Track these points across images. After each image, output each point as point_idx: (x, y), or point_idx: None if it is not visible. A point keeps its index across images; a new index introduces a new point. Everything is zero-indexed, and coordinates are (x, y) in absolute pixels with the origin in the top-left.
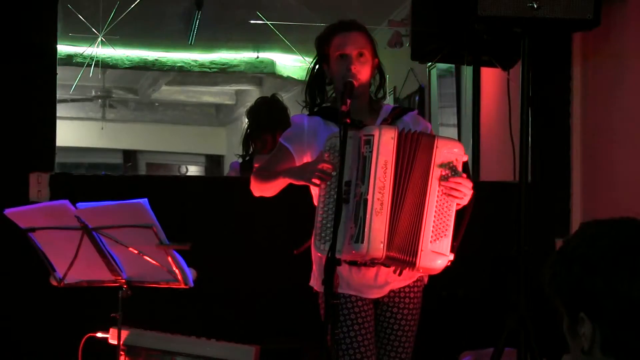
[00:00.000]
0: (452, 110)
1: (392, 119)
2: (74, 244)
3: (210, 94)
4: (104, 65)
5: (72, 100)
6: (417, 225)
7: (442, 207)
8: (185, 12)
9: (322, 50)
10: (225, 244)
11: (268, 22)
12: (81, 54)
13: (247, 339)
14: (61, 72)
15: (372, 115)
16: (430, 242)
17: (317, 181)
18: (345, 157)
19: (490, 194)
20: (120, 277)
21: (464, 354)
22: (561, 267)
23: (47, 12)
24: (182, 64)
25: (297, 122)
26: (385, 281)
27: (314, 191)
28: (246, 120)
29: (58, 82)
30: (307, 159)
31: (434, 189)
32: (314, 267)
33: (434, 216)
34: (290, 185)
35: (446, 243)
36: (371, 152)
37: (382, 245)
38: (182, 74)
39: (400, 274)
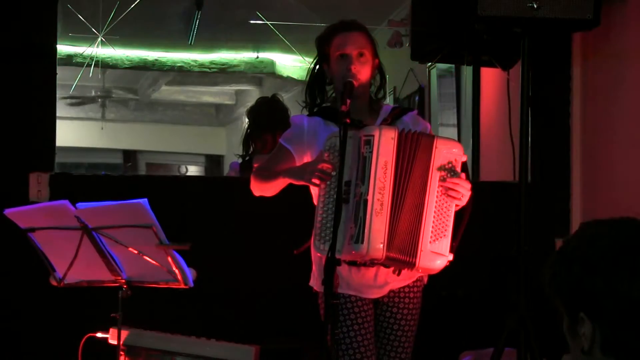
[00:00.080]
0: (452, 111)
1: (391, 119)
2: (73, 244)
3: (210, 94)
4: (104, 65)
5: (72, 100)
6: (416, 225)
7: (441, 207)
8: (185, 12)
9: (323, 50)
10: (225, 244)
11: (268, 22)
12: (81, 54)
13: (247, 339)
14: (61, 72)
15: (372, 115)
16: (430, 242)
17: (317, 181)
18: (345, 157)
19: (490, 194)
20: (120, 277)
21: (464, 354)
22: (561, 267)
23: (47, 12)
24: (182, 64)
25: (297, 123)
26: (385, 281)
27: (314, 191)
28: (246, 120)
29: (58, 82)
30: (307, 159)
31: (433, 189)
32: (313, 267)
33: (433, 216)
34: (290, 185)
35: (445, 243)
36: (371, 152)
37: (382, 245)
38: (182, 74)
39: (399, 274)
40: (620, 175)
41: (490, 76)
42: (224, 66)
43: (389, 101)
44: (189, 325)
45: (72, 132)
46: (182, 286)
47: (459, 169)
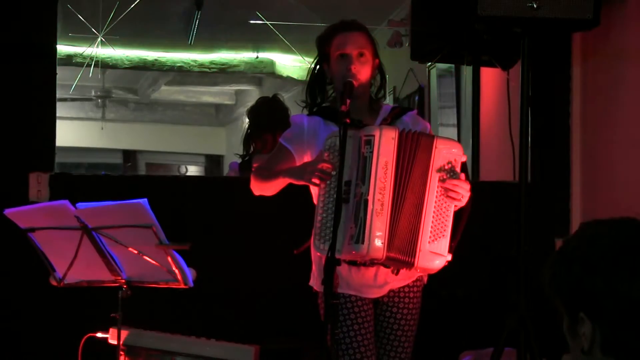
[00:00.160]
0: (452, 110)
1: (391, 119)
2: (73, 244)
3: (209, 94)
4: (104, 65)
5: (72, 100)
6: (415, 225)
7: (441, 207)
8: (185, 12)
9: (323, 49)
10: (225, 244)
11: (268, 22)
12: (81, 54)
13: (246, 339)
14: (61, 72)
15: (372, 115)
16: (429, 242)
17: (316, 181)
18: (345, 157)
19: (490, 194)
20: (120, 277)
21: (464, 354)
22: (561, 267)
23: (47, 12)
24: (182, 64)
25: (297, 122)
26: (385, 281)
27: (314, 191)
28: (246, 120)
29: (58, 82)
30: (307, 158)
31: (433, 189)
32: (313, 266)
33: (432, 217)
34: (290, 185)
35: (444, 243)
36: (372, 152)
37: (382, 246)
38: (182, 74)
39: (397, 274)
40: (620, 175)
41: (490, 76)
42: (223, 66)
43: (388, 101)
44: (188, 325)
45: (72, 132)
46: (182, 286)
47: (458, 169)
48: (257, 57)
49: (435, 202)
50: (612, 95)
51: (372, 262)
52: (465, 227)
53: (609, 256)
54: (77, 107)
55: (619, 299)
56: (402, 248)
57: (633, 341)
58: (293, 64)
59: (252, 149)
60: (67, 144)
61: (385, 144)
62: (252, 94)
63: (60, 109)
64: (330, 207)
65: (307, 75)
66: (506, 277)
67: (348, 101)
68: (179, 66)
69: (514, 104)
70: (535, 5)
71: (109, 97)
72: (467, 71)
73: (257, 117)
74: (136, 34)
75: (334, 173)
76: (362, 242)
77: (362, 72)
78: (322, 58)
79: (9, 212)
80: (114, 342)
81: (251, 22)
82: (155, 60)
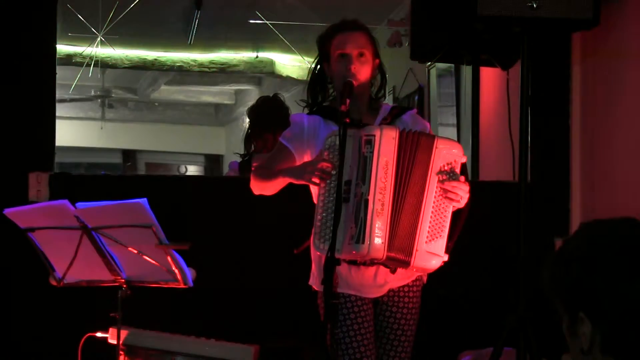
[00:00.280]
0: (452, 110)
1: (391, 119)
2: (73, 243)
3: (209, 94)
4: (103, 65)
5: (72, 100)
6: (414, 225)
7: (439, 208)
8: (185, 12)
9: (323, 48)
10: (225, 243)
11: (267, 22)
12: (80, 54)
13: (246, 339)
14: (60, 72)
15: (372, 114)
16: (426, 242)
17: (317, 180)
18: (345, 157)
19: (490, 194)
20: (119, 277)
21: (463, 354)
22: (561, 267)
23: (46, 12)
24: (182, 64)
25: (297, 121)
26: (385, 281)
27: (314, 190)
28: (246, 119)
29: (57, 81)
30: (307, 158)
31: (432, 189)
32: (313, 266)
33: (431, 217)
34: (290, 185)
35: (441, 244)
36: (372, 152)
37: (382, 246)
38: (182, 74)
39: (393, 272)
40: (620, 175)
41: (489, 76)
42: (223, 66)
43: (388, 101)
44: (188, 325)
45: (71, 131)
46: (182, 286)
47: (458, 170)
48: (257, 57)
49: (434, 202)
50: (612, 95)
51: (372, 262)
52: (465, 227)
53: (609, 256)
54: (76, 107)
55: (618, 299)
56: (401, 247)
57: (633, 341)
58: (293, 64)
59: (252, 148)
60: (67, 143)
61: (386, 144)
62: (252, 94)
63: (60, 109)
64: (331, 206)
65: (308, 74)
66: (506, 277)
67: (348, 101)
68: (179, 66)
69: (513, 104)
70: (535, 5)
71: (109, 97)
72: (466, 71)
73: (257, 116)
74: (136, 33)
75: (334, 172)
76: (363, 242)
77: (362, 72)
78: (323, 57)
79: (8, 211)
80: (113, 341)
81: (251, 21)
82: (155, 59)
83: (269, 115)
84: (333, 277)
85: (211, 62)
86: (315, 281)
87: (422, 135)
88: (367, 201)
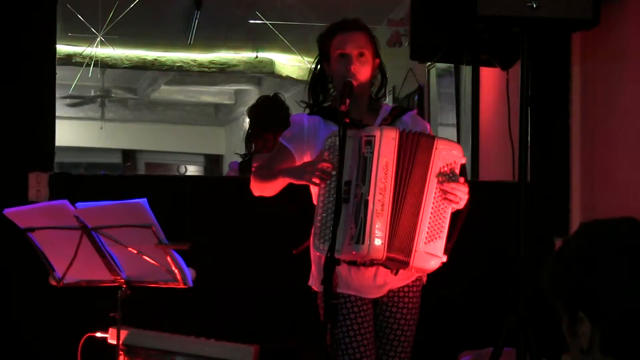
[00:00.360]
0: (451, 110)
1: (392, 119)
2: (73, 243)
3: (209, 94)
4: (103, 65)
5: (71, 99)
6: (413, 226)
7: (438, 208)
8: (185, 12)
9: (324, 48)
10: (224, 243)
11: (267, 22)
12: (80, 54)
13: (246, 339)
14: (60, 72)
15: (372, 114)
16: (425, 243)
17: (317, 180)
18: (345, 157)
19: (490, 194)
20: (119, 277)
21: (463, 354)
22: (561, 266)
23: (46, 12)
24: (181, 64)
25: (297, 122)
26: (384, 281)
27: (314, 190)
28: (246, 119)
29: (57, 81)
30: (307, 158)
31: (431, 190)
32: (312, 266)
33: (430, 217)
34: (290, 185)
35: (440, 245)
36: (372, 152)
37: (382, 246)
38: (181, 74)
39: (396, 274)
40: (620, 175)
41: (489, 76)
42: (223, 66)
43: (388, 101)
44: (188, 325)
45: (71, 131)
46: (182, 286)
47: (457, 172)
48: (257, 57)
49: (433, 203)
50: (611, 95)
51: (372, 263)
52: (465, 227)
53: (608, 256)
54: (76, 107)
55: (618, 298)
56: (401, 248)
57: (633, 341)
58: (292, 64)
59: (253, 147)
60: (67, 143)
61: (386, 145)
62: (252, 94)
63: (60, 109)
64: (330, 207)
65: (309, 74)
66: (506, 277)
67: (347, 101)
68: (179, 66)
69: (513, 104)
70: (534, 5)
71: (109, 97)
72: (466, 71)
73: (258, 116)
74: (135, 33)
75: (334, 173)
76: (363, 243)
77: (362, 72)
78: (323, 57)
79: (8, 211)
80: (113, 341)
81: (250, 21)
82: (155, 59)
83: (269, 115)
84: (333, 277)
85: (211, 62)
86: (314, 282)
87: (422, 136)
88: (367, 202)
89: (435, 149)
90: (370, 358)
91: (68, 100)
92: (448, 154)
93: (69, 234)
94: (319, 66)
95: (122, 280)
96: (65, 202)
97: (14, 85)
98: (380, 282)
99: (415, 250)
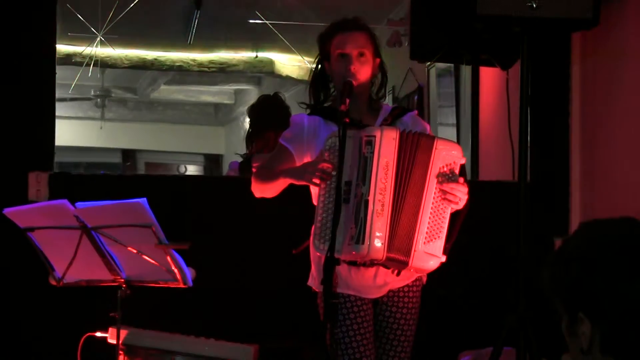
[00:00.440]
0: (451, 110)
1: (392, 119)
2: (73, 243)
3: (209, 94)
4: (103, 64)
5: (72, 99)
6: (412, 226)
7: (437, 209)
8: (184, 12)
9: (324, 48)
10: (224, 243)
11: (267, 22)
12: (80, 54)
13: (246, 339)
14: (60, 72)
15: (372, 114)
16: (424, 243)
17: (317, 181)
18: (345, 157)
19: (490, 194)
20: (119, 277)
21: (463, 354)
22: (560, 266)
23: (46, 12)
24: (181, 64)
25: (297, 122)
26: (384, 281)
27: (314, 191)
28: (246, 119)
29: (57, 81)
30: (307, 158)
31: (431, 190)
32: (312, 266)
33: (429, 218)
34: (290, 185)
35: (439, 245)
36: (372, 152)
37: (382, 246)
38: (181, 74)
39: (398, 274)
40: (620, 175)
41: (489, 75)
42: (223, 65)
43: (388, 101)
44: (188, 325)
45: (71, 131)
46: (181, 285)
47: (457, 172)
48: (257, 57)
49: (433, 203)
50: (611, 95)
51: (372, 263)
52: (465, 227)
53: (608, 256)
54: (76, 107)
55: (618, 298)
56: (401, 248)
57: (632, 341)
58: (292, 64)
59: (253, 147)
60: (66, 143)
61: (386, 145)
62: (252, 94)
63: (60, 109)
64: (331, 207)
65: (309, 74)
66: (506, 277)
67: (347, 101)
68: (178, 65)
69: (513, 104)
70: (534, 5)
71: (108, 97)
72: (466, 70)
73: (258, 115)
74: (135, 33)
75: (334, 173)
76: (363, 243)
77: (362, 72)
78: (323, 56)
79: (8, 211)
80: (113, 341)
81: (250, 21)
82: (155, 59)
83: (269, 114)
84: (333, 277)
85: (211, 61)
86: (314, 282)
87: (422, 136)
88: (367, 202)
89: (435, 149)
90: (370, 358)
91: (68, 100)
92: (448, 154)
93: (68, 234)
94: (319, 66)
95: (122, 280)
96: (65, 201)
97: (14, 85)
98: (381, 282)
99: (414, 250)
